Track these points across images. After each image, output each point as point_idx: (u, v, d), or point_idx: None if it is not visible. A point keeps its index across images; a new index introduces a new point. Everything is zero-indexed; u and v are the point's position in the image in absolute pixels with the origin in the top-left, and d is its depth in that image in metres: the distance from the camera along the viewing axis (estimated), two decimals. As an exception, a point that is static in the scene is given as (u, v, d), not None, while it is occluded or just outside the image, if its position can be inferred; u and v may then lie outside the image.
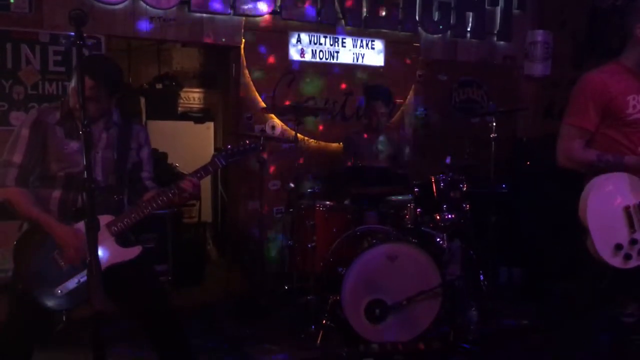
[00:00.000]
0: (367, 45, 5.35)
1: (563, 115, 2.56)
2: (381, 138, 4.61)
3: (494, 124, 4.53)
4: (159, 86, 6.60)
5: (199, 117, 6.81)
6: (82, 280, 2.32)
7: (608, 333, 3.30)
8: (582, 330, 2.55)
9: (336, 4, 5.17)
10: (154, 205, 2.48)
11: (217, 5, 4.76)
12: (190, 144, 6.26)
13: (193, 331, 3.85)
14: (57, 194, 2.45)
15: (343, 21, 5.24)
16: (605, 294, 2.48)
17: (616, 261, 2.33)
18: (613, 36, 5.00)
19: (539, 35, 5.77)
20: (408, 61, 5.50)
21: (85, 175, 1.86)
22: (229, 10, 4.82)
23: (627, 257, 2.33)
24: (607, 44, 4.98)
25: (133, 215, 2.47)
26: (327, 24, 5.17)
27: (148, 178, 2.70)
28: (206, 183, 6.49)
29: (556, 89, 5.69)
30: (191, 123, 6.60)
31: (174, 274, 4.55)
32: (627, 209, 2.37)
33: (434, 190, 3.91)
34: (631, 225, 2.36)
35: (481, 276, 4.32)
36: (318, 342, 3.53)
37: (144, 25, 4.59)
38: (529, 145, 5.51)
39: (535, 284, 4.74)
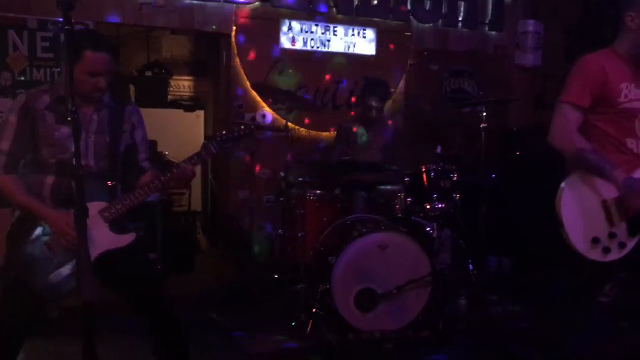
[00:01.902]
0: (358, 34, 5.32)
1: (557, 98, 2.53)
2: (371, 131, 4.59)
3: (485, 113, 4.53)
4: (149, 74, 6.55)
5: (189, 105, 6.76)
6: (75, 267, 2.31)
7: (596, 320, 3.34)
8: (569, 318, 2.56)
9: (328, -9, 5.14)
10: (148, 190, 2.47)
11: (207, -8, 4.72)
12: (180, 132, 6.23)
13: (183, 320, 3.83)
14: (49, 180, 2.42)
15: (335, 9, 5.21)
16: (585, 284, 2.49)
17: (594, 254, 2.34)
18: (604, 26, 5.00)
19: (530, 25, 5.76)
20: (399, 50, 5.48)
21: (74, 162, 1.83)
22: (220, -3, 4.78)
23: (606, 250, 2.34)
24: (599, 34, 5.00)
25: (127, 201, 2.45)
26: (318, 12, 5.13)
27: (144, 159, 2.67)
28: (196, 171, 6.46)
29: (547, 79, 5.71)
30: (181, 111, 6.55)
31: (164, 263, 4.53)
32: (604, 203, 2.38)
33: (425, 179, 3.92)
34: (609, 219, 2.36)
35: (470, 265, 4.34)
36: (308, 330, 3.54)
37: (133, 11, 4.54)
38: (519, 135, 5.53)
39: (525, 273, 4.77)
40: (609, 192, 2.38)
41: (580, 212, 2.37)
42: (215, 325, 3.77)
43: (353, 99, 5.17)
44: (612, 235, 2.35)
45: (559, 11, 5.77)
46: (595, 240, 2.34)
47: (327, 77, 5.24)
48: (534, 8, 5.95)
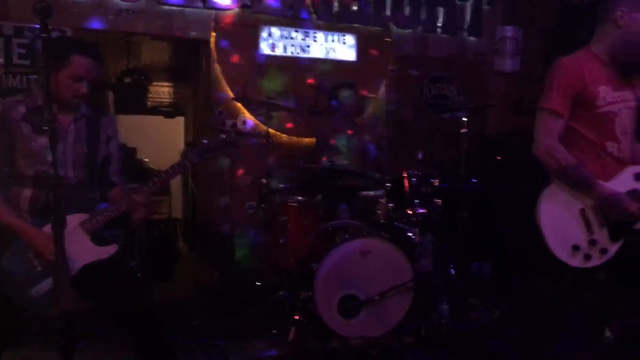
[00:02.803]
0: (338, 39, 5.33)
1: (535, 106, 2.54)
2: (349, 135, 4.59)
3: (465, 119, 4.56)
4: (128, 80, 6.48)
5: (169, 111, 6.71)
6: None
7: (578, 326, 3.37)
8: (552, 323, 2.58)
9: (308, -2, 5.15)
10: (125, 204, 2.44)
11: (187, -2, 4.70)
12: (160, 138, 6.18)
13: (164, 328, 3.79)
14: (27, 193, 2.38)
15: (314, 15, 5.21)
16: (567, 290, 2.51)
17: (575, 261, 2.36)
18: (581, 32, 5.07)
19: (509, 31, 5.82)
20: (380, 56, 5.50)
21: (53, 172, 1.81)
22: (199, 4, 4.76)
23: (587, 257, 2.36)
24: (576, 39, 5.05)
25: (107, 213, 2.42)
26: (298, 18, 5.13)
27: (116, 173, 2.64)
28: (176, 178, 6.41)
29: (526, 84, 5.76)
30: (161, 117, 6.51)
31: (144, 271, 4.48)
32: (583, 211, 2.40)
33: (406, 185, 3.93)
34: (588, 227, 2.38)
35: (452, 270, 4.35)
36: (290, 338, 3.51)
37: (112, 18, 4.50)
38: (499, 140, 5.57)
39: (506, 278, 4.80)
40: (587, 200, 2.40)
41: (559, 221, 2.39)
42: (197, 333, 3.73)
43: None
44: (592, 243, 2.37)
45: (537, 17, 5.84)
46: (576, 248, 2.36)
47: (308, 83, 5.23)
48: (511, 14, 6.02)
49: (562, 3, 5.57)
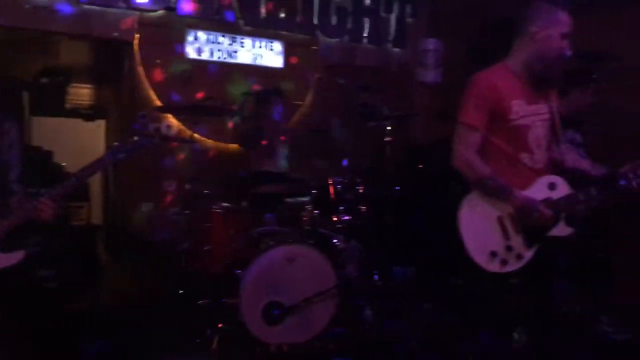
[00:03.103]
0: (266, 46, 5.32)
1: (456, 118, 2.63)
2: (279, 141, 4.59)
3: (390, 128, 4.66)
4: (45, 80, 6.20)
5: (89, 114, 6.47)
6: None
7: (492, 327, 3.50)
8: (469, 324, 2.67)
9: (235, 3, 5.11)
10: (23, 212, 2.33)
11: (108, -2, 4.56)
12: (79, 142, 5.95)
13: (83, 338, 3.64)
14: None
15: (242, 21, 5.18)
16: (484, 293, 2.61)
17: (493, 266, 2.46)
18: (500, 45, 5.29)
19: (431, 43, 6.01)
20: (307, 64, 5.53)
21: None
22: (122, 4, 4.62)
23: (504, 262, 2.46)
24: (495, 52, 5.27)
25: (6, 222, 2.31)
26: (225, 23, 5.09)
27: (14, 180, 2.51)
28: (96, 184, 6.19)
29: (448, 95, 5.94)
30: (80, 120, 6.26)
31: (62, 280, 4.29)
32: (500, 218, 2.50)
33: (332, 192, 3.96)
34: (505, 233, 2.49)
35: (376, 276, 4.42)
36: (214, 346, 3.46)
37: (26, 15, 4.29)
38: (422, 148, 5.73)
39: (428, 282, 4.92)
40: (504, 208, 2.51)
41: (478, 227, 2.48)
42: (118, 343, 3.60)
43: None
44: (509, 249, 2.47)
45: (458, 30, 6.05)
46: (493, 254, 2.46)
47: (235, 88, 5.19)
48: (434, 27, 6.22)
49: (482, 17, 5.80)
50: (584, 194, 2.51)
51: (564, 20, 2.53)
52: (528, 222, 2.45)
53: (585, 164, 2.75)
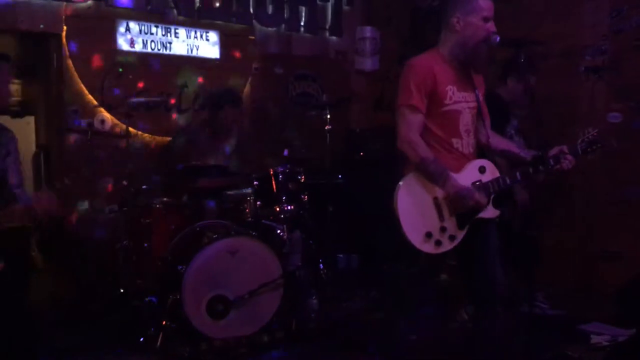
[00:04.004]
0: (201, 36, 5.23)
1: (395, 103, 2.66)
2: (231, 141, 4.54)
3: (329, 116, 4.69)
4: (-33, 77, 5.89)
5: (17, 111, 6.18)
6: None
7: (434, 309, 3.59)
8: (405, 304, 2.72)
9: (168, -8, 4.99)
10: None
11: (32, -12, 4.36)
12: (8, 140, 5.68)
13: (18, 344, 3.51)
14: None
15: (175, 11, 5.06)
16: (418, 276, 2.67)
17: (427, 247, 2.52)
18: (432, 33, 5.39)
19: (367, 31, 6.06)
20: (244, 54, 5.47)
21: None
22: (48, -6, 4.43)
23: (438, 243, 2.53)
24: (427, 40, 5.37)
25: None
26: (157, 13, 4.96)
27: (16, 186, 2.44)
28: (29, 183, 5.94)
29: (384, 82, 6.03)
30: (7, 117, 5.97)
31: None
32: (435, 199, 2.56)
33: (273, 182, 3.95)
34: (440, 214, 2.55)
35: (321, 265, 4.45)
36: (158, 344, 3.40)
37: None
38: (361, 136, 5.78)
39: (372, 267, 5.00)
40: (440, 190, 2.56)
41: (414, 208, 2.53)
42: (54, 348, 3.49)
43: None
44: (443, 230, 2.54)
45: (392, 19, 6.12)
46: (429, 235, 2.51)
47: (170, 80, 5.08)
48: (369, 15, 6.27)
49: (414, 6, 5.89)
50: (510, 177, 2.61)
51: (485, 5, 2.61)
52: (460, 207, 2.52)
53: (511, 147, 2.86)
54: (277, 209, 3.93)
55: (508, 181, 2.61)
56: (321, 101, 5.83)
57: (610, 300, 3.83)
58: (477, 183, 2.60)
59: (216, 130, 4.47)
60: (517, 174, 2.62)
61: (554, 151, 2.63)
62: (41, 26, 4.50)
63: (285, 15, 5.69)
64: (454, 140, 2.65)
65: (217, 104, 4.46)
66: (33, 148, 6.02)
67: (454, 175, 2.56)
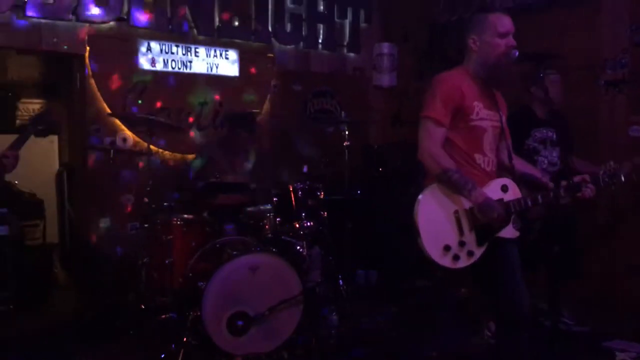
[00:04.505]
0: (221, 55, 5.30)
1: (411, 119, 2.66)
2: (250, 158, 4.59)
3: (347, 132, 4.70)
4: (-7, 96, 6.03)
5: (41, 130, 6.29)
6: None
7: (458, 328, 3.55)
8: (428, 319, 2.70)
9: (188, 12, 5.07)
10: None
11: (57, 11, 4.45)
12: (32, 159, 5.76)
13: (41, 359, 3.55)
14: None
15: (195, 30, 5.15)
16: (436, 291, 2.65)
17: (445, 261, 2.49)
18: (450, 48, 5.41)
19: (385, 47, 6.09)
20: (263, 71, 5.53)
21: None
22: (71, 16, 4.53)
23: (456, 257, 2.50)
24: (445, 56, 5.39)
25: None
26: (178, 33, 5.04)
27: None
28: (51, 201, 6.03)
29: (402, 98, 6.04)
30: (32, 136, 6.08)
31: (17, 301, 4.16)
32: (455, 213, 2.55)
33: (293, 199, 3.97)
34: (460, 228, 2.54)
35: (340, 281, 4.44)
36: (179, 360, 3.41)
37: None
38: (379, 151, 5.78)
39: (391, 284, 4.97)
40: (461, 202, 2.56)
41: (434, 221, 2.52)
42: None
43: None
44: (462, 244, 2.52)
45: (410, 35, 6.15)
46: (447, 248, 2.49)
47: (190, 98, 5.15)
48: (387, 32, 6.30)
49: (432, 22, 5.91)
50: (532, 199, 2.60)
51: (498, 22, 2.62)
52: (483, 218, 2.50)
53: (533, 171, 2.86)
54: (297, 225, 3.94)
55: (529, 203, 2.59)
56: (340, 118, 5.85)
57: (635, 315, 3.76)
58: (499, 200, 2.58)
59: (233, 149, 4.52)
60: (539, 197, 2.60)
61: (576, 179, 2.62)
62: (65, 47, 4.59)
63: (304, 33, 5.75)
64: (477, 156, 2.65)
65: (232, 129, 4.54)
66: (56, 166, 6.12)
67: (481, 188, 2.55)
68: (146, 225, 4.05)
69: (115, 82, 4.80)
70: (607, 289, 4.52)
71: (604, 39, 4.60)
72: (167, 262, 3.75)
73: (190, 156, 5.08)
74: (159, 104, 4.97)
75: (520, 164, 2.83)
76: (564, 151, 3.98)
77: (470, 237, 2.53)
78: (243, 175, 4.50)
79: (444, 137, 2.60)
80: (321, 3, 5.86)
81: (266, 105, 5.59)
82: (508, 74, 2.66)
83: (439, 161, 2.55)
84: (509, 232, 2.60)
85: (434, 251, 2.48)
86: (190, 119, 5.14)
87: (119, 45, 4.79)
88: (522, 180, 2.80)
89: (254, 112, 4.77)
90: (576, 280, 3.90)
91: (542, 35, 4.73)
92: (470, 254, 2.52)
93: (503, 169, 2.77)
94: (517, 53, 2.61)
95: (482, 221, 2.51)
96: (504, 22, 2.63)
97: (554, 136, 3.97)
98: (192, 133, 5.17)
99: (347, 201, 4.69)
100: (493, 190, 2.62)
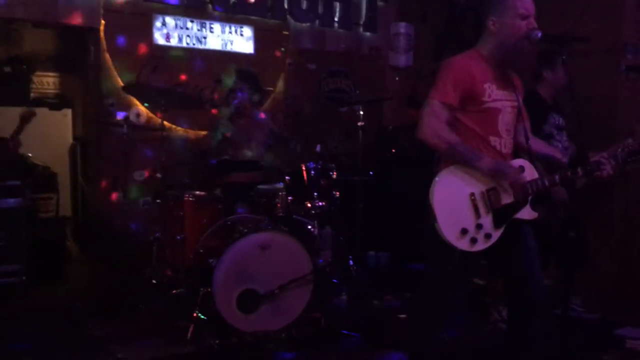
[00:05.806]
0: (236, 31, 5.26)
1: (427, 97, 2.63)
2: (250, 123, 4.55)
3: (362, 112, 4.66)
4: (8, 69, 6.03)
5: (55, 103, 6.32)
6: None
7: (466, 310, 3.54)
8: (436, 304, 2.68)
9: (204, -13, 5.03)
10: None
11: (73, -17, 4.44)
12: (45, 132, 5.80)
13: (54, 332, 3.59)
14: None
15: (210, 6, 5.10)
16: (451, 276, 2.62)
17: (462, 244, 2.46)
18: (468, 29, 5.33)
19: (402, 27, 6.01)
20: (277, 49, 5.48)
21: None
22: (87, -11, 4.51)
23: (473, 240, 2.47)
24: (463, 37, 5.31)
25: None
26: (193, 8, 5.00)
27: None
28: (65, 175, 6.07)
29: (418, 79, 5.97)
30: (46, 110, 6.11)
31: (30, 274, 4.21)
32: (472, 195, 2.52)
33: (305, 178, 3.94)
34: (476, 211, 2.51)
35: (350, 261, 4.44)
36: (189, 336, 3.43)
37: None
38: (394, 133, 5.73)
39: (401, 265, 4.97)
40: (477, 185, 2.52)
41: (450, 204, 2.48)
42: (89, 336, 3.55)
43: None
44: (479, 227, 2.48)
45: (427, 15, 6.06)
46: (464, 231, 2.46)
47: (205, 75, 5.12)
48: (404, 12, 6.21)
49: (450, 2, 5.82)
50: (549, 179, 2.55)
51: (519, 3, 2.55)
52: (505, 179, 2.47)
53: (551, 151, 2.81)
54: (309, 205, 3.92)
55: (547, 183, 2.55)
56: (354, 97, 5.80)
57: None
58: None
59: (246, 127, 4.49)
60: (556, 177, 2.55)
61: (594, 158, 2.57)
62: (80, 20, 4.57)
63: (320, 11, 5.68)
64: (492, 139, 2.60)
65: (233, 89, 4.52)
66: (70, 140, 6.15)
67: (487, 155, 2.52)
68: (158, 201, 4.07)
69: (130, 56, 4.78)
70: (621, 277, 4.49)
71: (626, 22, 4.50)
72: (178, 238, 3.77)
73: (203, 132, 5.06)
74: (172, 80, 4.94)
75: (538, 145, 2.77)
76: (570, 136, 3.92)
77: (487, 220, 2.50)
78: (256, 152, 4.49)
79: (449, 118, 2.56)
80: (338, -20, 5.78)
81: (280, 84, 5.55)
82: (527, 57, 2.61)
83: (442, 137, 2.50)
84: (526, 213, 2.56)
85: (451, 234, 2.45)
86: (204, 95, 5.11)
87: (134, 19, 4.77)
88: (540, 161, 2.76)
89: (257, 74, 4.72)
90: (587, 267, 3.87)
91: (563, 15, 4.62)
92: (487, 236, 2.49)
93: (520, 151, 2.72)
94: (539, 34, 2.55)
95: (506, 181, 2.48)
96: (525, 3, 2.57)
97: (562, 121, 3.91)
98: (206, 109, 5.15)
99: (360, 182, 4.66)
100: None
